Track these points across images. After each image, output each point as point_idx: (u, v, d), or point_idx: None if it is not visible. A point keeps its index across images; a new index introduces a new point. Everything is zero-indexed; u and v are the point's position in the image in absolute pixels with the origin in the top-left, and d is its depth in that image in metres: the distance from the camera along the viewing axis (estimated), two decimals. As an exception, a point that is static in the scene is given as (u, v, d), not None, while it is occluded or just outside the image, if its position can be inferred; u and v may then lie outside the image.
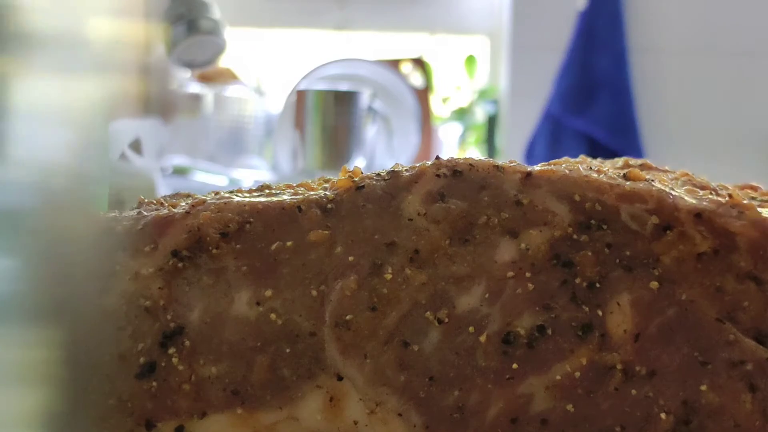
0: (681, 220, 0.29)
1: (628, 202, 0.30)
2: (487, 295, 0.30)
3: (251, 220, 0.32)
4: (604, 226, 0.30)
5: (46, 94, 0.18)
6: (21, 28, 0.17)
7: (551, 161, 0.33)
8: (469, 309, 0.30)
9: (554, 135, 1.72)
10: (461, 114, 1.98)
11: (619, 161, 0.39)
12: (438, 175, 0.31)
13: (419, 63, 1.51)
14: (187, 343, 0.31)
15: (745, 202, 0.30)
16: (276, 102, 1.34)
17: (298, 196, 0.32)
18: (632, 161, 0.38)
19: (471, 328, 0.30)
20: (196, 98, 1.29)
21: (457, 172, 0.31)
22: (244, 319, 0.31)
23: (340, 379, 0.30)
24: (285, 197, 0.32)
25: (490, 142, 1.89)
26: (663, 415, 0.29)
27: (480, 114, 1.95)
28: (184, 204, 0.33)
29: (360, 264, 0.31)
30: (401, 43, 2.04)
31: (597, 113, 1.71)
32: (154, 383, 0.31)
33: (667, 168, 0.36)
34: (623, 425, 0.29)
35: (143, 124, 0.84)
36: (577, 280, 0.30)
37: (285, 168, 1.11)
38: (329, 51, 1.96)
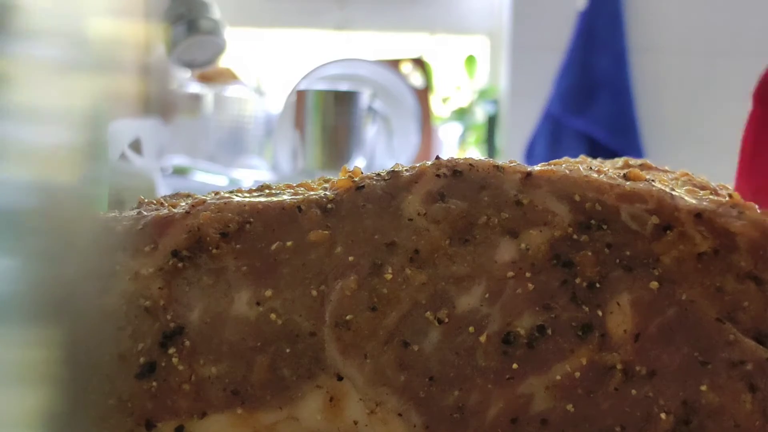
0: (681, 220, 0.29)
1: (628, 202, 0.30)
2: (487, 295, 0.30)
3: (251, 220, 0.32)
4: (604, 226, 0.30)
5: (46, 94, 0.18)
6: (21, 28, 0.17)
7: (551, 161, 0.33)
8: (469, 309, 0.30)
9: (554, 135, 1.72)
10: (461, 114, 1.98)
11: (619, 161, 0.39)
12: (438, 175, 0.31)
13: (419, 63, 1.51)
14: (187, 343, 0.31)
15: (745, 202, 0.30)
16: (276, 102, 1.34)
17: (298, 196, 0.32)
18: (632, 161, 0.38)
19: (471, 328, 0.30)
20: (196, 98, 1.29)
21: (457, 172, 0.31)
22: (244, 319, 0.31)
23: (340, 379, 0.30)
24: (285, 197, 0.32)
25: (490, 142, 1.89)
26: (663, 415, 0.29)
27: (480, 114, 1.95)
28: (184, 204, 0.33)
29: (360, 264, 0.31)
30: (401, 43, 2.04)
31: (597, 113, 1.71)
32: (154, 383, 0.31)
33: (667, 168, 0.36)
34: (623, 425, 0.29)
35: (143, 124, 0.84)
36: (577, 280, 0.30)
37: (285, 168, 1.11)
38: (329, 51, 1.96)
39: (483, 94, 1.97)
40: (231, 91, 1.32)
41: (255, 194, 0.34)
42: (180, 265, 0.31)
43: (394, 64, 1.40)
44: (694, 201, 0.30)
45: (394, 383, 0.30)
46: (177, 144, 1.17)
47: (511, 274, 0.30)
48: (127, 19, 0.20)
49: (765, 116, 0.51)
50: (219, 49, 1.06)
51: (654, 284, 0.29)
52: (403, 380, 0.30)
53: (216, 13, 1.04)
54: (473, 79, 2.00)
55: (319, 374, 0.30)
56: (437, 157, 0.32)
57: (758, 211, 0.29)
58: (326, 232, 0.31)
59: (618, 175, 0.31)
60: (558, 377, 0.29)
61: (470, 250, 0.30)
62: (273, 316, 0.31)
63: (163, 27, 1.01)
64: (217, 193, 0.34)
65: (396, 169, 0.32)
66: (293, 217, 0.31)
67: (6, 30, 0.17)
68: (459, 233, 0.31)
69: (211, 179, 1.04)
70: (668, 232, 0.29)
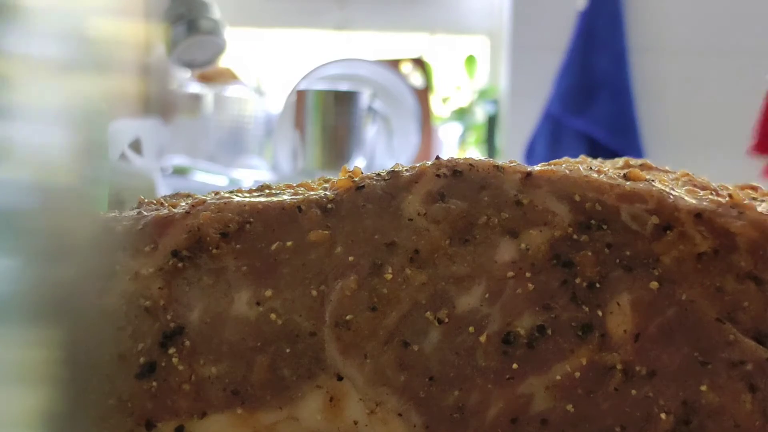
0: (681, 220, 0.29)
1: (629, 202, 0.30)
2: (487, 295, 0.30)
3: (251, 220, 0.32)
4: (604, 226, 0.30)
5: (46, 94, 0.18)
6: (21, 28, 0.17)
7: (551, 161, 0.33)
8: (469, 309, 0.30)
9: (554, 135, 1.72)
10: (461, 114, 1.98)
11: (620, 161, 0.39)
12: (438, 175, 0.31)
13: (419, 63, 1.51)
14: (187, 343, 0.31)
15: (745, 202, 0.30)
16: (276, 102, 1.34)
17: (298, 196, 0.32)
18: (632, 161, 0.38)
19: (471, 328, 0.30)
20: (196, 98, 1.29)
21: (457, 172, 0.31)
22: (244, 319, 0.31)
23: (340, 379, 0.30)
24: (285, 197, 0.32)
25: (490, 142, 1.89)
26: (663, 415, 0.29)
27: (480, 114, 1.95)
28: (184, 204, 0.33)
29: (360, 264, 0.31)
30: (401, 43, 2.04)
31: (597, 113, 1.71)
32: (154, 383, 0.31)
33: (667, 168, 0.36)
34: (623, 425, 0.29)
35: (143, 124, 0.84)
36: (577, 280, 0.30)
37: (285, 168, 1.11)
38: (329, 51, 1.96)
39: (483, 94, 1.97)
40: (231, 91, 1.32)
41: (255, 194, 0.34)
42: (180, 265, 0.31)
43: (394, 64, 1.40)
44: (694, 201, 0.30)
45: (394, 383, 0.30)
46: (177, 144, 1.17)
47: (511, 274, 0.30)
48: (127, 19, 0.20)
49: None
50: (219, 49, 1.06)
51: (654, 284, 0.29)
52: (403, 380, 0.30)
53: (216, 13, 1.04)
54: (473, 79, 2.00)
55: (319, 374, 0.30)
56: (437, 157, 0.32)
57: (758, 211, 0.29)
58: (326, 232, 0.31)
59: (618, 175, 0.31)
60: (558, 377, 0.29)
61: (470, 250, 0.30)
62: (273, 316, 0.31)
63: (163, 27, 1.01)
64: (217, 193, 0.34)
65: (396, 169, 0.32)
66: (293, 217, 0.31)
67: (6, 30, 0.17)
68: (459, 233, 0.31)
69: (211, 179, 1.04)
70: (668, 232, 0.29)
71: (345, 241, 0.31)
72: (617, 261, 0.30)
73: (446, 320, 0.30)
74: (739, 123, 1.71)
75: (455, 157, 0.32)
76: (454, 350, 0.30)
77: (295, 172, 1.08)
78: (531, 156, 1.73)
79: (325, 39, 2.02)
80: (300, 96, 1.09)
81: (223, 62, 1.33)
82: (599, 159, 0.41)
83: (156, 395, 0.31)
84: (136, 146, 0.79)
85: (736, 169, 1.15)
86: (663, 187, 0.30)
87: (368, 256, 0.31)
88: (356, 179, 0.32)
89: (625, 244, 0.30)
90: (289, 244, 0.31)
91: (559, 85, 1.73)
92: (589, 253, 0.30)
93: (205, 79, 1.33)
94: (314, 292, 0.31)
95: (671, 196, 0.30)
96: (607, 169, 0.32)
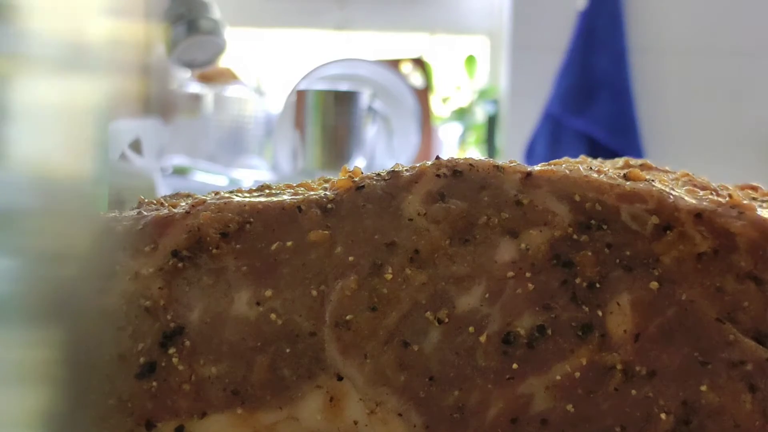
0: (681, 220, 0.29)
1: (628, 202, 0.30)
2: (487, 295, 0.30)
3: (251, 220, 0.32)
4: (604, 226, 0.30)
5: (46, 94, 0.18)
6: (21, 28, 0.17)
7: (551, 161, 0.33)
8: (469, 309, 0.30)
9: (554, 135, 1.72)
10: (461, 114, 1.98)
11: (620, 161, 0.39)
12: (438, 175, 0.31)
13: (419, 63, 1.51)
14: (187, 343, 0.31)
15: (745, 202, 0.30)
16: (276, 102, 1.34)
17: (298, 196, 0.32)
18: (632, 161, 0.38)
19: (471, 328, 0.30)
20: (196, 98, 1.29)
21: (457, 172, 0.31)
22: (244, 319, 0.31)
23: (340, 379, 0.30)
24: (285, 197, 0.32)
25: (490, 142, 1.89)
26: (663, 416, 0.29)
27: (480, 114, 1.95)
28: (184, 204, 0.33)
29: (360, 264, 0.31)
30: (401, 43, 2.04)
31: (597, 113, 1.71)
32: (154, 383, 0.31)
33: (667, 168, 0.36)
34: (623, 425, 0.29)
35: (143, 124, 0.84)
36: (577, 280, 0.30)
37: (285, 168, 1.11)
38: (329, 51, 1.96)
39: (483, 94, 1.97)
40: (231, 91, 1.32)
41: (255, 194, 0.34)
42: (180, 265, 0.31)
43: (394, 64, 1.41)
44: (694, 201, 0.30)
45: (394, 383, 0.30)
46: (177, 144, 1.17)
47: (511, 274, 0.30)
48: (127, 19, 0.20)
49: None
50: (219, 49, 1.06)
51: (654, 284, 0.29)
52: (403, 380, 0.30)
53: (216, 13, 1.04)
54: (473, 79, 2.00)
55: (319, 374, 0.30)
56: (437, 157, 0.32)
57: (758, 211, 0.29)
58: (326, 232, 0.31)
59: (618, 175, 0.31)
60: (558, 377, 0.29)
61: (470, 250, 0.30)
62: (273, 316, 0.31)
63: (163, 27, 1.01)
64: (217, 193, 0.34)
65: (396, 169, 0.32)
66: (293, 217, 0.31)
67: (6, 30, 0.17)
68: (459, 233, 0.31)
69: (211, 179, 1.04)
70: (668, 232, 0.29)
71: (345, 241, 0.31)
72: (617, 261, 0.30)
73: (446, 320, 0.30)
74: (739, 123, 1.71)
75: (455, 157, 0.32)
76: (454, 350, 0.30)
77: (295, 172, 1.08)
78: (531, 156, 1.73)
79: (325, 39, 2.03)
80: (300, 96, 1.09)
81: (223, 62, 1.33)
82: (599, 159, 0.41)
83: (156, 395, 0.31)
84: (136, 146, 0.79)
85: (736, 169, 1.15)
86: (663, 187, 0.30)
87: (368, 256, 0.31)
88: (356, 179, 0.32)
89: (625, 244, 0.30)
90: (289, 244, 0.31)
91: (559, 85, 1.73)
92: (589, 253, 0.30)
93: (205, 79, 1.33)
94: (314, 292, 0.31)
95: (671, 196, 0.30)
96: (607, 169, 0.32)
